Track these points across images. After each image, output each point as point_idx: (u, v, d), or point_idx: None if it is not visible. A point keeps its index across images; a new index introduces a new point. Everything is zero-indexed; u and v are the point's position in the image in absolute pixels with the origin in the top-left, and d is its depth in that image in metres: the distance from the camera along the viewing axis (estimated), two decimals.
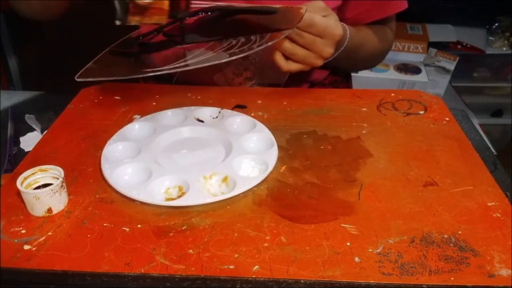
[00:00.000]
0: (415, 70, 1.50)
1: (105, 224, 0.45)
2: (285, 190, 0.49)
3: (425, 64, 1.54)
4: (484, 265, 0.40)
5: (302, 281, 0.39)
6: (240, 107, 0.65)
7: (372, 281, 0.38)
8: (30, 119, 0.68)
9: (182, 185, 0.49)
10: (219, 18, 0.60)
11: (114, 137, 0.57)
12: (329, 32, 0.60)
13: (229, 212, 0.46)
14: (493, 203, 0.47)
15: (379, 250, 0.41)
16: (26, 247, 0.42)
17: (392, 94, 0.69)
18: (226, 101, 0.66)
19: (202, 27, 0.61)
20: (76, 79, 0.51)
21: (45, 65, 1.63)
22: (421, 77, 1.47)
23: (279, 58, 0.63)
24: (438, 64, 1.52)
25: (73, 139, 0.58)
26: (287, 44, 0.61)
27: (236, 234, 0.43)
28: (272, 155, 0.53)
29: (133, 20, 0.49)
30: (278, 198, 0.48)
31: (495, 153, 0.60)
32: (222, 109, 0.63)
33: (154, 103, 0.66)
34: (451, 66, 1.51)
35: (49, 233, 0.44)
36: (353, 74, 0.92)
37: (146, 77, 0.83)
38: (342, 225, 0.44)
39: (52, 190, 0.45)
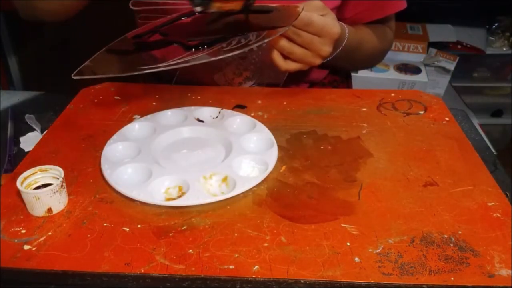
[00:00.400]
0: (415, 70, 1.50)
1: (105, 224, 0.45)
2: (285, 190, 0.49)
3: (425, 64, 1.54)
4: (484, 265, 0.40)
5: (302, 281, 0.39)
6: (240, 107, 0.65)
7: (372, 281, 0.38)
8: (30, 119, 0.68)
9: (182, 185, 0.49)
10: (216, 17, 0.60)
11: (114, 137, 0.57)
12: (327, 30, 0.59)
13: (229, 212, 0.46)
14: (493, 203, 0.47)
15: (379, 250, 0.41)
16: (26, 247, 0.42)
17: (392, 94, 0.69)
18: (226, 101, 0.66)
19: (199, 26, 0.61)
20: (73, 77, 0.51)
21: (45, 65, 1.63)
22: (421, 77, 1.47)
23: (277, 57, 0.63)
24: (438, 64, 1.52)
25: (73, 139, 0.58)
26: (285, 43, 0.61)
27: (236, 234, 0.43)
28: (272, 155, 0.53)
29: (215, 6, 0.51)
30: (278, 198, 0.48)
31: (495, 153, 0.60)
32: (222, 109, 0.63)
33: (154, 103, 0.66)
34: (451, 66, 1.51)
35: (49, 233, 0.44)
36: (353, 74, 0.92)
37: (146, 77, 0.83)
38: (342, 225, 0.44)
39: (52, 190, 0.45)
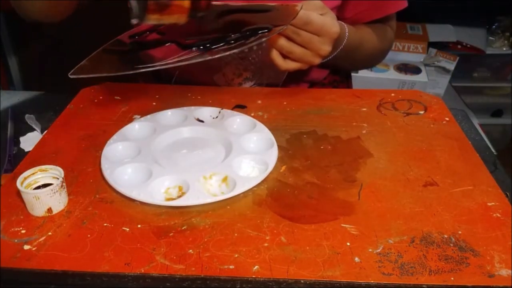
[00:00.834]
0: (415, 70, 1.50)
1: (105, 224, 0.45)
2: (285, 190, 0.49)
3: (425, 64, 1.54)
4: (484, 265, 0.40)
5: (302, 281, 0.39)
6: (240, 107, 0.65)
7: (372, 281, 0.38)
8: (30, 119, 0.68)
9: (182, 185, 0.49)
10: (215, 17, 0.60)
11: (114, 137, 0.57)
12: (326, 30, 0.59)
13: (229, 212, 0.46)
14: (493, 203, 0.47)
15: (379, 250, 0.41)
16: (26, 247, 0.42)
17: (392, 94, 0.69)
18: (226, 101, 0.66)
19: (197, 25, 0.60)
20: (69, 76, 0.51)
21: (45, 65, 1.63)
22: (421, 77, 1.47)
23: (276, 57, 0.63)
24: (438, 64, 1.52)
25: (73, 139, 0.58)
26: (284, 43, 0.61)
27: (236, 234, 0.43)
28: (272, 155, 0.53)
29: (152, 18, 0.48)
30: (278, 198, 0.48)
31: (495, 153, 0.60)
32: (222, 109, 0.63)
33: (154, 103, 0.66)
34: (451, 66, 1.51)
35: (49, 233, 0.44)
36: (353, 74, 0.92)
37: (146, 77, 0.83)
38: (342, 225, 0.44)
39: (52, 190, 0.45)
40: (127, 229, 0.44)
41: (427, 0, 1.53)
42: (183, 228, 0.44)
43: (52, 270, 0.40)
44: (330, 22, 0.60)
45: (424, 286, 0.38)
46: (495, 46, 1.61)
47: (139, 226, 0.44)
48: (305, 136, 0.59)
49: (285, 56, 0.63)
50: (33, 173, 0.47)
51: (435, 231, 0.43)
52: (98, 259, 0.41)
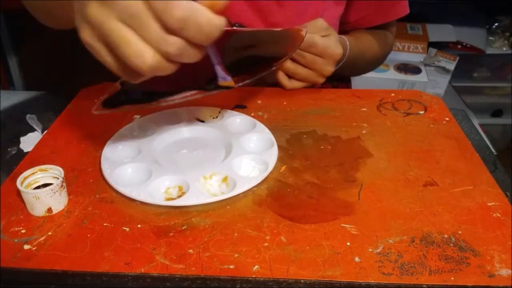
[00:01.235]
0: (415, 70, 1.50)
1: (105, 224, 0.45)
2: (285, 190, 0.49)
3: (425, 64, 1.54)
4: (484, 265, 0.40)
5: (302, 281, 0.39)
6: (240, 107, 0.65)
7: (372, 281, 0.38)
8: (31, 119, 0.68)
9: (182, 185, 0.49)
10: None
11: (114, 137, 0.57)
12: (329, 52, 0.63)
13: (229, 212, 0.46)
14: (493, 203, 0.47)
15: (379, 250, 0.41)
16: (26, 247, 0.42)
17: (392, 94, 0.69)
18: (226, 101, 0.66)
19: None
20: (93, 112, 0.49)
21: (45, 65, 1.63)
22: (421, 77, 1.47)
23: (282, 78, 0.67)
24: (438, 64, 1.52)
25: (73, 139, 0.58)
26: (290, 65, 0.65)
27: (236, 234, 0.43)
28: (272, 155, 0.53)
29: None
30: (278, 198, 0.48)
31: (495, 153, 0.60)
32: (222, 109, 0.63)
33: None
34: (451, 66, 1.51)
35: (49, 233, 0.44)
36: None
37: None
38: (342, 225, 0.44)
39: (52, 190, 0.45)
40: (127, 229, 0.44)
41: (427, 0, 1.53)
42: (183, 228, 0.44)
43: (52, 270, 0.40)
44: (333, 44, 0.63)
45: (424, 286, 0.38)
46: (495, 46, 1.61)
47: (139, 226, 0.44)
48: (305, 136, 0.59)
49: (290, 76, 0.67)
50: (33, 173, 0.47)
51: (435, 231, 0.43)
52: (98, 259, 0.41)
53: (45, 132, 0.60)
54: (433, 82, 1.52)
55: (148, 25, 0.33)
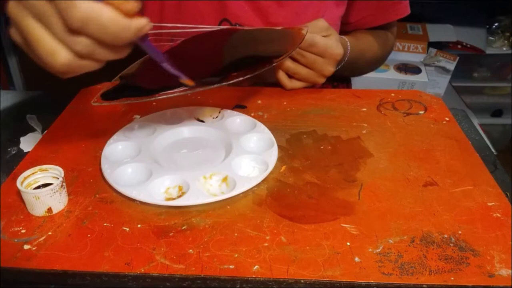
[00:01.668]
0: (415, 70, 1.50)
1: (105, 224, 0.45)
2: (285, 190, 0.49)
3: (425, 64, 1.54)
4: (484, 265, 0.40)
5: (302, 281, 0.39)
6: (240, 107, 0.65)
7: (372, 281, 0.38)
8: (31, 119, 0.68)
9: (182, 185, 0.49)
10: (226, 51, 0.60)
11: (114, 137, 0.57)
12: (330, 52, 0.63)
13: (229, 212, 0.46)
14: (493, 203, 0.47)
15: (379, 250, 0.41)
16: (26, 247, 0.42)
17: (392, 94, 0.69)
18: (226, 101, 0.66)
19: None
20: (92, 104, 0.50)
21: None
22: (421, 77, 1.47)
23: (282, 77, 0.67)
24: (438, 64, 1.52)
25: (73, 139, 0.58)
26: (290, 64, 0.65)
27: (236, 234, 0.43)
28: (272, 155, 0.53)
29: None
30: (278, 198, 0.48)
31: (495, 153, 0.60)
32: (222, 109, 0.63)
33: (154, 103, 0.66)
34: (451, 66, 1.51)
35: (49, 233, 0.44)
36: None
37: None
38: (342, 225, 0.44)
39: (52, 190, 0.45)
40: (127, 229, 0.44)
41: (427, 0, 1.53)
42: (183, 228, 0.44)
43: (52, 270, 0.40)
44: (333, 44, 0.63)
45: (424, 286, 0.38)
46: (495, 46, 1.61)
47: (139, 226, 0.44)
48: (305, 136, 0.59)
49: (290, 76, 0.67)
50: (33, 173, 0.47)
51: (435, 231, 0.43)
52: (98, 259, 0.41)
53: (45, 132, 0.61)
54: (433, 82, 1.52)
55: (55, 23, 0.34)
